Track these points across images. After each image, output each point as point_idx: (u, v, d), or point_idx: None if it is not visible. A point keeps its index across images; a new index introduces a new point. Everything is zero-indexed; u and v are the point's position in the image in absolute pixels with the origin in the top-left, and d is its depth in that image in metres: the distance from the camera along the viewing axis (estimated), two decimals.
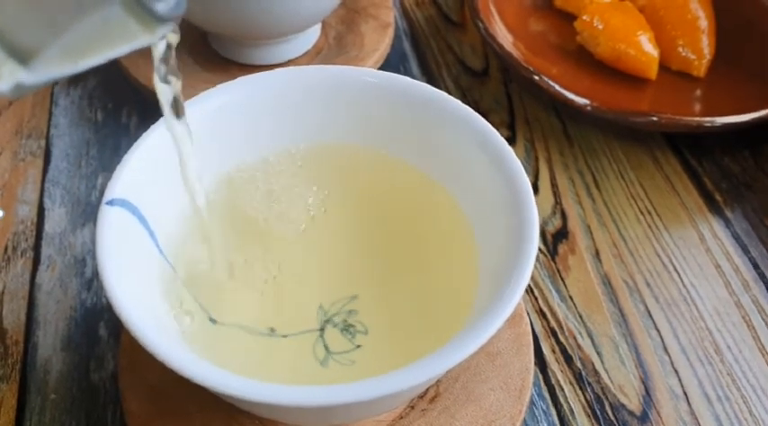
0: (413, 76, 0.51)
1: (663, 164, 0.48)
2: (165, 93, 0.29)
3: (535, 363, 0.37)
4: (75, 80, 0.52)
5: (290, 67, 0.37)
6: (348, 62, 0.51)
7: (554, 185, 0.47)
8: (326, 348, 0.33)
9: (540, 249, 0.43)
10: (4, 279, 0.41)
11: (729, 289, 0.42)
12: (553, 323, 0.40)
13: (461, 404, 0.34)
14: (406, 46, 0.56)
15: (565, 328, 0.40)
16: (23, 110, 0.50)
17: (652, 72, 0.50)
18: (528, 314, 0.38)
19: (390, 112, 0.36)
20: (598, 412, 0.37)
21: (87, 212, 0.44)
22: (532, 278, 0.42)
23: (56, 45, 0.22)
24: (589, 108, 0.47)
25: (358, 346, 0.33)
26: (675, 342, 0.39)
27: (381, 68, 0.52)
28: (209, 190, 0.35)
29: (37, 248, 0.42)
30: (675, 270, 0.43)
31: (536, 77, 0.48)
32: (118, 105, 0.50)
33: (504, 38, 0.52)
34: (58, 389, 0.37)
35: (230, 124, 0.35)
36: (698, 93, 0.50)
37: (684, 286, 0.42)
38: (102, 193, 0.32)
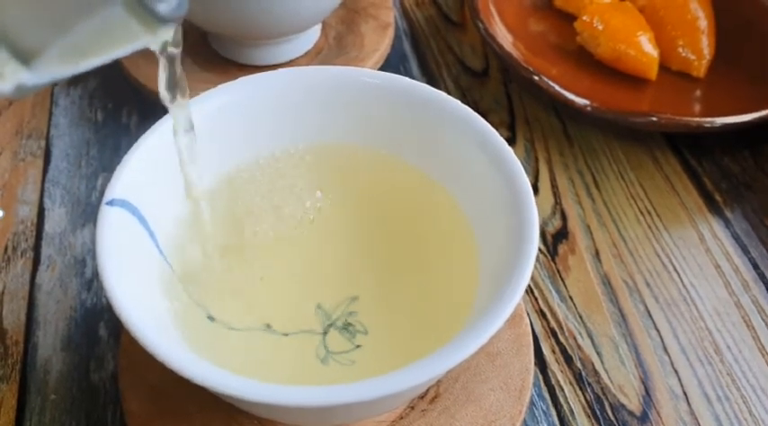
0: (413, 77, 0.51)
1: (663, 165, 0.48)
2: (176, 113, 0.29)
3: (535, 363, 0.37)
4: (75, 80, 0.52)
5: (291, 68, 0.37)
6: (348, 62, 0.51)
7: (554, 185, 0.47)
8: (326, 348, 0.33)
9: (539, 249, 0.43)
10: (4, 280, 0.41)
11: (729, 290, 0.42)
12: (553, 324, 0.40)
13: (461, 405, 0.34)
14: (406, 46, 0.56)
15: (565, 328, 0.40)
16: (24, 110, 0.50)
17: (652, 72, 0.50)
18: (528, 314, 0.38)
19: (390, 113, 0.36)
20: (598, 413, 0.37)
21: (87, 212, 0.44)
22: (532, 278, 0.42)
23: (58, 45, 0.22)
24: (589, 108, 0.47)
25: (358, 346, 0.33)
26: (675, 342, 0.39)
27: (381, 69, 0.52)
28: (210, 190, 0.35)
29: (37, 248, 0.42)
30: (675, 270, 0.43)
31: (536, 78, 0.48)
32: (118, 105, 0.50)
33: (504, 38, 0.52)
34: (58, 389, 0.37)
35: (230, 124, 0.36)
36: (698, 93, 0.50)
37: (684, 286, 0.42)
38: (102, 193, 0.32)
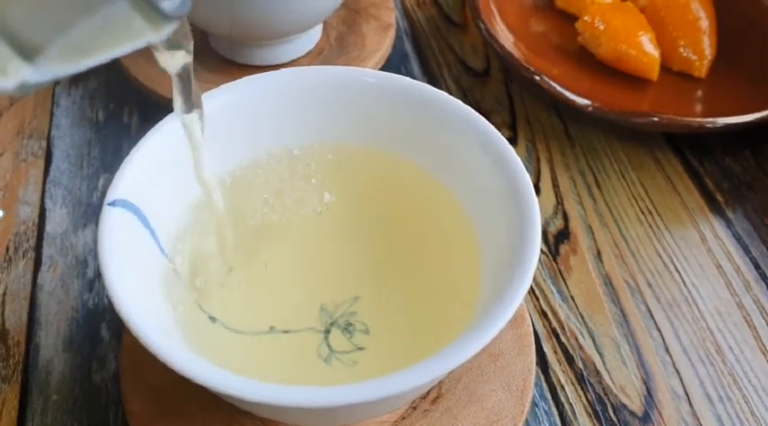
0: (414, 77, 0.51)
1: (664, 165, 0.48)
2: (187, 121, 0.29)
3: (537, 364, 0.37)
4: (76, 80, 0.52)
5: (292, 68, 0.37)
6: (349, 62, 0.51)
7: (555, 186, 0.47)
8: (330, 347, 0.33)
9: (541, 249, 0.43)
10: (6, 280, 0.41)
11: (731, 290, 0.42)
12: (555, 324, 0.40)
13: (463, 405, 0.34)
14: (408, 46, 0.56)
15: (566, 328, 0.40)
16: (25, 110, 0.50)
17: (653, 72, 0.50)
18: (530, 314, 0.38)
19: (391, 113, 0.36)
20: (600, 413, 0.37)
21: (89, 213, 0.44)
22: (534, 278, 0.42)
23: (61, 42, 0.22)
24: (590, 108, 0.47)
25: (360, 348, 0.33)
26: (677, 343, 0.39)
27: (383, 69, 0.52)
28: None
29: (38, 249, 0.42)
30: (677, 270, 0.43)
31: (537, 78, 0.48)
32: (119, 105, 0.50)
33: (506, 38, 0.52)
34: (59, 390, 0.37)
35: (232, 124, 0.36)
36: (699, 93, 0.50)
37: (686, 286, 0.42)
38: (103, 194, 0.32)
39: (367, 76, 0.36)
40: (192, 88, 0.29)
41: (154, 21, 0.23)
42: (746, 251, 0.43)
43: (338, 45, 0.52)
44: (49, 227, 0.43)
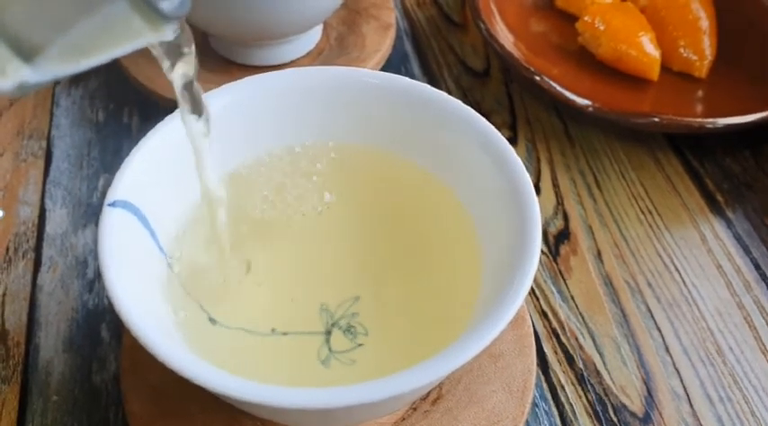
0: (414, 77, 0.51)
1: (664, 165, 0.48)
2: (191, 126, 0.29)
3: (537, 364, 0.37)
4: (76, 80, 0.52)
5: (292, 68, 0.37)
6: (349, 63, 0.50)
7: (556, 186, 0.47)
8: (330, 348, 0.33)
9: (541, 250, 0.43)
10: (6, 281, 0.41)
11: (731, 290, 0.42)
12: (555, 324, 0.40)
13: (464, 406, 0.34)
14: (408, 46, 0.56)
15: (567, 329, 0.40)
16: (25, 110, 0.50)
17: (653, 73, 0.50)
18: (530, 314, 0.38)
19: (391, 113, 0.36)
20: (600, 413, 0.37)
21: (89, 213, 0.44)
22: (534, 278, 0.41)
23: (60, 42, 0.22)
24: (590, 108, 0.47)
25: (359, 345, 0.33)
26: (677, 343, 0.39)
27: (383, 69, 0.52)
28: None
29: (38, 249, 0.42)
30: (677, 270, 0.42)
31: (537, 78, 0.48)
32: (119, 105, 0.50)
33: (506, 38, 0.52)
34: (59, 391, 0.37)
35: (233, 124, 0.35)
36: (699, 93, 0.50)
37: (686, 286, 0.42)
38: (103, 194, 0.32)
39: (367, 76, 0.36)
40: (199, 98, 0.29)
41: (153, 21, 0.23)
42: (747, 251, 0.43)
43: (338, 45, 0.52)
44: (48, 228, 0.43)
